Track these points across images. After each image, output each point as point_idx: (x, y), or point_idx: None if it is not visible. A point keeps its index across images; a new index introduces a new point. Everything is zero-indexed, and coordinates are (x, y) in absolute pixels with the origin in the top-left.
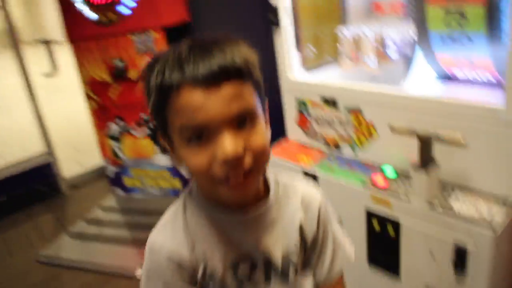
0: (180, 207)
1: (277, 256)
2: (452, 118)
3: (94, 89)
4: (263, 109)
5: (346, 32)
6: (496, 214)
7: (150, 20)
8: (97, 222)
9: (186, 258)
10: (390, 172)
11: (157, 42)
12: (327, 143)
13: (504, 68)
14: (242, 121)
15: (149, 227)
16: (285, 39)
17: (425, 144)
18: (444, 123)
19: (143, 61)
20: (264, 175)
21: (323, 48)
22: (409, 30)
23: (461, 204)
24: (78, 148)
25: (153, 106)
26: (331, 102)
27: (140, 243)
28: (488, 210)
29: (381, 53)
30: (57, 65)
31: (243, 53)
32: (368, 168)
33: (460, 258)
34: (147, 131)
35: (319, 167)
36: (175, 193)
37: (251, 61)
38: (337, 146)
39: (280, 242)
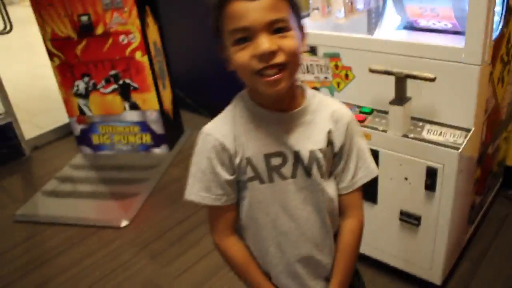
0: (232, 106)
1: (305, 153)
2: (421, 60)
3: (58, 46)
4: (299, 25)
5: None
6: (458, 138)
7: None
8: (70, 180)
9: (229, 145)
10: (366, 109)
11: None
12: None
13: (463, 16)
14: (276, 28)
15: (122, 182)
16: None
17: (401, 82)
18: (414, 65)
19: (111, 17)
20: (303, 88)
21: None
22: None
23: (430, 133)
24: (39, 108)
25: (213, 21)
26: (311, 50)
27: (117, 197)
28: (452, 136)
29: (349, 6)
30: (11, 23)
31: None
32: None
33: (430, 178)
34: (116, 87)
35: None
36: (145, 148)
37: None
38: (316, 90)
39: (309, 143)
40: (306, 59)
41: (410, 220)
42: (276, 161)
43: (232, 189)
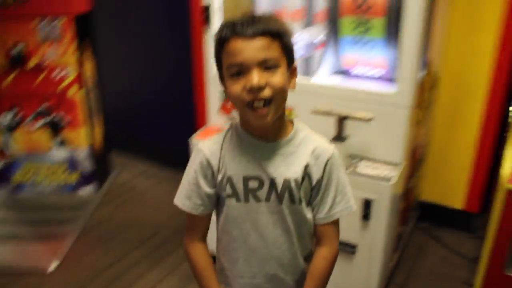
0: (225, 130)
1: (280, 181)
2: (358, 102)
3: None
4: (290, 65)
5: None
6: (390, 172)
7: (59, 7)
8: None
9: (214, 162)
10: None
11: (64, 30)
12: None
13: (395, 64)
14: (267, 66)
15: (47, 223)
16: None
17: (340, 122)
18: (350, 106)
19: (47, 49)
20: (293, 122)
21: None
22: (316, 34)
23: (366, 168)
24: None
25: (215, 54)
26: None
27: (43, 239)
28: (385, 170)
29: None
30: None
31: (274, 22)
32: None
33: (366, 208)
34: (45, 123)
35: None
36: (72, 188)
37: (280, 28)
38: None
39: (286, 172)
40: None
41: (346, 248)
42: (253, 184)
43: (210, 202)
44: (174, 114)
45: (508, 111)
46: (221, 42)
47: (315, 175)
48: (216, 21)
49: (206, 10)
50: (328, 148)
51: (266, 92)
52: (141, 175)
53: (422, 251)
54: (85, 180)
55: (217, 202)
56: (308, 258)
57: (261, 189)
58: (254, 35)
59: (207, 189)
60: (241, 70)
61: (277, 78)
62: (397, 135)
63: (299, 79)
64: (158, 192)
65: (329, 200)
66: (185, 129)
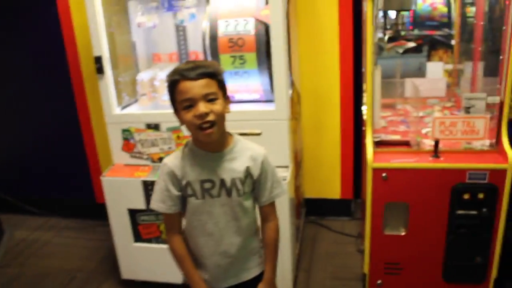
0: (183, 147)
1: (228, 181)
2: (246, 121)
3: None
4: (224, 96)
5: (143, 76)
6: (284, 173)
7: None
8: None
9: (178, 172)
10: None
11: None
12: (152, 159)
13: (267, 88)
14: (209, 99)
15: None
16: (109, 83)
17: None
18: (242, 125)
19: None
20: (232, 135)
21: (127, 90)
22: None
23: None
24: None
25: (169, 94)
26: (154, 126)
27: None
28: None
29: None
30: None
31: (211, 66)
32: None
33: None
34: None
35: (155, 176)
36: None
37: (215, 70)
38: (161, 160)
39: (231, 173)
40: (150, 135)
41: None
42: (207, 185)
43: (180, 201)
44: (63, 166)
45: (361, 111)
46: (174, 84)
47: (255, 172)
48: (108, 70)
49: (98, 60)
50: (260, 151)
51: (211, 117)
52: (39, 229)
53: (315, 239)
54: None
55: (183, 202)
56: (253, 236)
57: (214, 188)
58: (198, 77)
59: (175, 192)
60: (191, 103)
61: (217, 106)
62: (282, 142)
63: None
64: (62, 241)
65: (268, 187)
66: (75, 179)
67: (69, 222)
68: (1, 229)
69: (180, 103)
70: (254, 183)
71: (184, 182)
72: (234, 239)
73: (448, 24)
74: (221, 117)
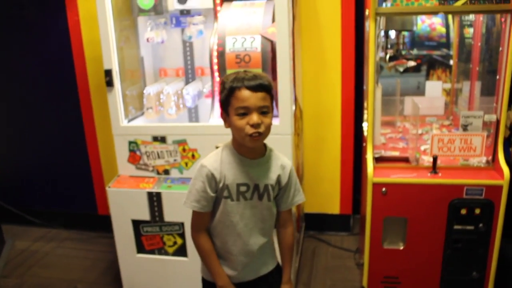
0: (220, 149)
1: (262, 186)
2: None
3: None
4: (273, 109)
5: (150, 90)
6: None
7: None
8: None
9: (216, 175)
10: None
11: None
12: (157, 171)
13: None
14: (263, 111)
15: None
16: (118, 96)
17: None
18: None
19: None
20: (265, 144)
21: (133, 103)
22: (199, 86)
23: None
24: None
25: (224, 97)
26: (160, 139)
27: None
28: None
29: (178, 104)
30: None
31: (268, 81)
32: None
33: None
34: None
35: (160, 188)
36: None
37: (270, 85)
38: (166, 172)
39: (265, 179)
40: (156, 147)
41: None
42: (243, 188)
43: (212, 202)
44: (67, 177)
45: (360, 127)
46: (234, 90)
47: (283, 181)
48: (117, 83)
49: (108, 73)
50: (288, 162)
51: (261, 128)
52: (40, 240)
53: (314, 253)
54: None
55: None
56: (272, 235)
57: (248, 192)
58: (258, 90)
59: (211, 193)
60: (246, 112)
61: (268, 120)
62: (286, 156)
63: (196, 124)
64: (63, 252)
65: (290, 194)
66: (77, 191)
67: (71, 233)
68: (2, 240)
69: (236, 109)
70: (279, 190)
71: (221, 185)
72: (259, 239)
73: (447, 44)
74: (268, 130)
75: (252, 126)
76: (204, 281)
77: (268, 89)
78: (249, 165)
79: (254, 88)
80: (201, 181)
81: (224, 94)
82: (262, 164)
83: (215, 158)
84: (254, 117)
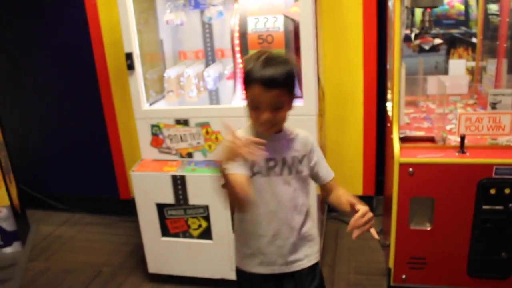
0: (246, 127)
1: (289, 159)
2: None
3: None
4: (291, 97)
5: (170, 73)
6: None
7: None
8: None
9: None
10: None
11: None
12: (180, 154)
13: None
14: (276, 107)
15: None
16: (139, 79)
17: None
18: None
19: None
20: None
21: (154, 87)
22: (220, 69)
23: None
24: None
25: (243, 80)
26: (183, 122)
27: None
28: None
29: (199, 87)
30: None
31: (286, 72)
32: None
33: None
34: None
35: (183, 171)
36: None
37: (290, 75)
38: (190, 155)
39: (291, 152)
40: (179, 130)
41: None
42: (271, 163)
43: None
44: (88, 162)
45: (385, 107)
46: (249, 80)
47: (308, 152)
48: (138, 66)
49: (129, 57)
50: (309, 135)
51: (273, 122)
52: (64, 225)
53: (338, 234)
54: (8, 239)
55: None
56: (309, 219)
57: (277, 166)
58: (272, 88)
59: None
60: (258, 106)
61: (281, 114)
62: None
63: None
64: (87, 236)
65: (325, 165)
66: (99, 176)
67: (94, 218)
68: (27, 224)
69: (250, 101)
70: (310, 162)
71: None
72: (295, 216)
73: (465, 22)
74: (281, 122)
75: (261, 122)
76: (238, 271)
77: (284, 84)
78: (273, 139)
79: (268, 85)
80: None
81: (243, 78)
82: (286, 137)
83: (246, 131)
84: (265, 115)
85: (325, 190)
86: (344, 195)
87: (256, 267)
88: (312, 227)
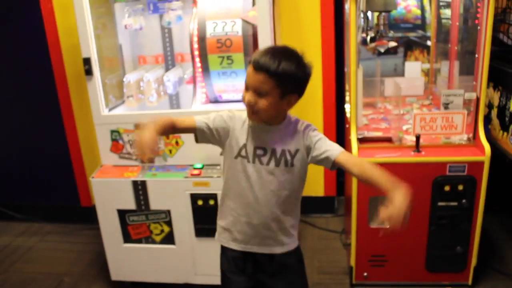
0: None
1: (278, 151)
2: None
3: None
4: (282, 95)
5: (130, 78)
6: None
7: None
8: None
9: (238, 126)
10: (198, 165)
11: None
12: (141, 160)
13: None
14: (259, 92)
15: None
16: (97, 85)
17: None
18: None
19: None
20: (288, 115)
21: (113, 92)
22: (180, 73)
23: None
24: None
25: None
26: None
27: None
28: None
29: (159, 91)
30: None
31: (286, 68)
32: (180, 168)
33: None
34: None
35: (144, 176)
36: None
37: (287, 73)
38: (150, 160)
39: (282, 145)
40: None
41: None
42: (259, 151)
43: (212, 131)
44: (47, 170)
45: (342, 109)
46: (249, 62)
47: (308, 142)
48: (96, 71)
49: (86, 62)
50: (309, 124)
51: (254, 108)
52: (23, 235)
53: (301, 235)
54: None
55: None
56: (291, 215)
57: (265, 156)
58: (259, 70)
59: (224, 124)
60: (247, 87)
61: (262, 102)
62: None
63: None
64: (47, 246)
65: (327, 145)
66: (59, 183)
67: (54, 227)
68: None
69: (245, 82)
70: (312, 150)
71: (241, 144)
72: (275, 209)
73: (422, 26)
74: (263, 111)
75: (245, 103)
76: (222, 248)
77: (273, 74)
78: (267, 130)
79: (257, 68)
80: (224, 114)
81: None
82: (280, 129)
83: (244, 116)
84: (246, 96)
85: (344, 168)
86: (379, 179)
87: (230, 242)
88: (292, 225)
